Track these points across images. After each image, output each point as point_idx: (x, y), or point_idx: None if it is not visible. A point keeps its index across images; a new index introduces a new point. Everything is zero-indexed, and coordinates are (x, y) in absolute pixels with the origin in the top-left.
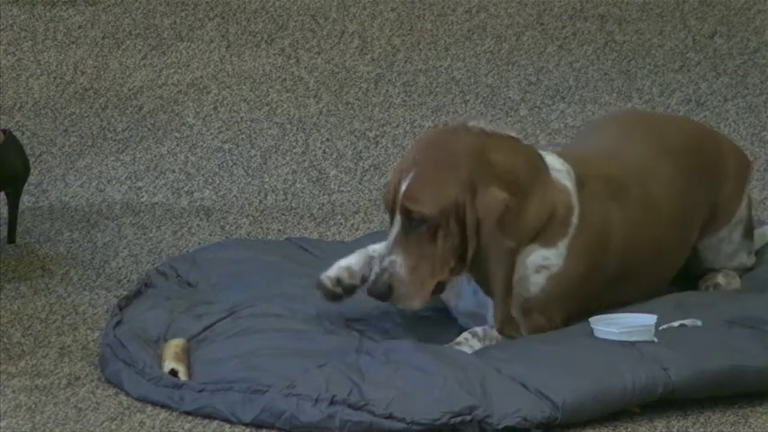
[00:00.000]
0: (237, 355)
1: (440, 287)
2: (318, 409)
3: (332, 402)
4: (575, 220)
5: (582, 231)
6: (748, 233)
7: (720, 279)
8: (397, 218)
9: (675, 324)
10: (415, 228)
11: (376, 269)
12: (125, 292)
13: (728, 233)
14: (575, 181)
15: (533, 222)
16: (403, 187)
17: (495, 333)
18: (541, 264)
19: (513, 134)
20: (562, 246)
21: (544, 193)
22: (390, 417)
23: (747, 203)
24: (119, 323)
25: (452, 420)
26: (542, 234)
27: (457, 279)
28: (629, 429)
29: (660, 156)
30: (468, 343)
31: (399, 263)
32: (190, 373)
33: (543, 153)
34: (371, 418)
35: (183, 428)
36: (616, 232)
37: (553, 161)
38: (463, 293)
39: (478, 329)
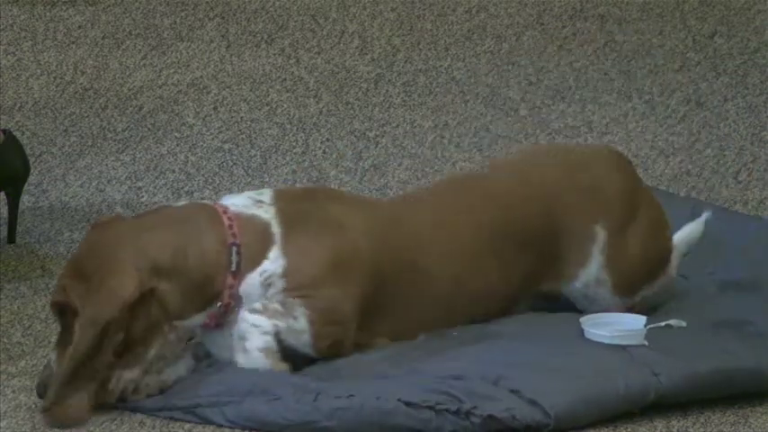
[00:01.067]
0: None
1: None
2: (304, 404)
3: (315, 398)
4: (275, 229)
5: (292, 232)
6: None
7: None
8: None
9: (662, 324)
10: (63, 320)
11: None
12: None
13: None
14: (272, 199)
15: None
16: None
17: (276, 305)
18: (263, 278)
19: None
20: (273, 253)
21: (202, 252)
22: (378, 398)
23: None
24: None
25: (439, 407)
26: (249, 262)
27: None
28: (629, 429)
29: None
30: (250, 331)
31: (53, 359)
32: None
33: (232, 199)
34: (360, 401)
35: (183, 428)
36: (350, 223)
37: (239, 200)
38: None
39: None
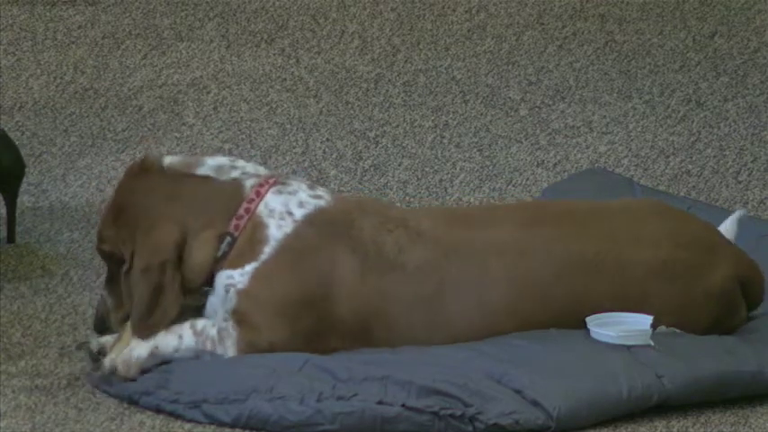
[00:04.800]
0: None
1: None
2: (306, 406)
3: (319, 399)
4: (268, 249)
5: (279, 259)
6: None
7: None
8: None
9: (666, 330)
10: (109, 263)
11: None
12: None
13: None
14: (303, 218)
15: (205, 257)
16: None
17: (213, 332)
18: (227, 282)
19: (211, 174)
20: (249, 267)
21: (211, 234)
22: (381, 402)
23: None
24: None
25: (443, 412)
26: (232, 259)
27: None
28: (630, 429)
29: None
30: (178, 331)
31: (105, 295)
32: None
33: (280, 196)
34: (363, 405)
35: (182, 429)
36: (340, 274)
37: (279, 201)
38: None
39: (199, 323)
